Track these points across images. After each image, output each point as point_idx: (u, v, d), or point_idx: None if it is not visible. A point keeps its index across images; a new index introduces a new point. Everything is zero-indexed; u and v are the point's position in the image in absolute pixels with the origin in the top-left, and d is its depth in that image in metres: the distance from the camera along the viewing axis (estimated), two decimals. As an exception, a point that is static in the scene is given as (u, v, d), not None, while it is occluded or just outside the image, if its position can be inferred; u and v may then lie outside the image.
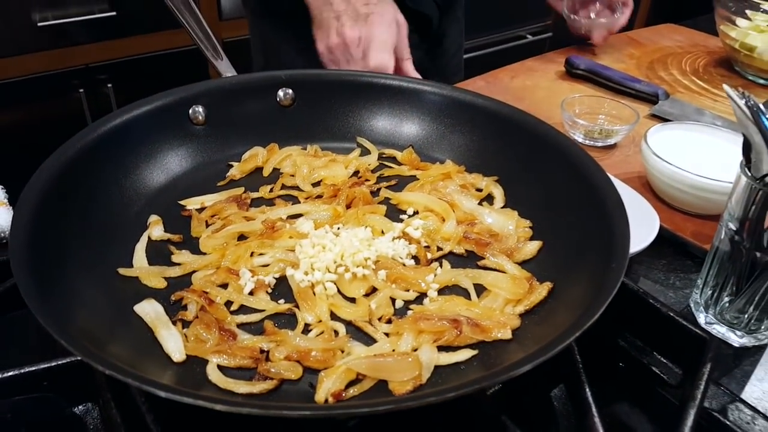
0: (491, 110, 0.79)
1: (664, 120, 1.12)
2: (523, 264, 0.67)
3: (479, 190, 0.77)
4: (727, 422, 0.54)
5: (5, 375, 0.52)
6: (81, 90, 1.92)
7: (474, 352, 0.55)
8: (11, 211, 0.75)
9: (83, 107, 1.94)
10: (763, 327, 0.67)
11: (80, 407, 0.57)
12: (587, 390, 0.51)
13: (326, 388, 0.50)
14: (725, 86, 0.60)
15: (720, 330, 0.68)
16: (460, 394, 0.42)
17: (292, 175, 0.79)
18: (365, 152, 0.84)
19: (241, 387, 0.51)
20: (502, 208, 0.75)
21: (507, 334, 0.56)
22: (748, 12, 1.26)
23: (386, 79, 0.84)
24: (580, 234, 0.64)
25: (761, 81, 1.30)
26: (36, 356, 0.55)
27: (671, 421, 0.55)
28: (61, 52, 1.86)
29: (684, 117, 1.12)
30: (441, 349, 0.56)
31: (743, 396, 0.61)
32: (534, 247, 0.68)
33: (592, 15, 1.36)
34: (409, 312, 0.60)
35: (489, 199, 0.77)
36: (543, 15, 3.01)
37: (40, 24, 1.76)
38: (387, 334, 0.58)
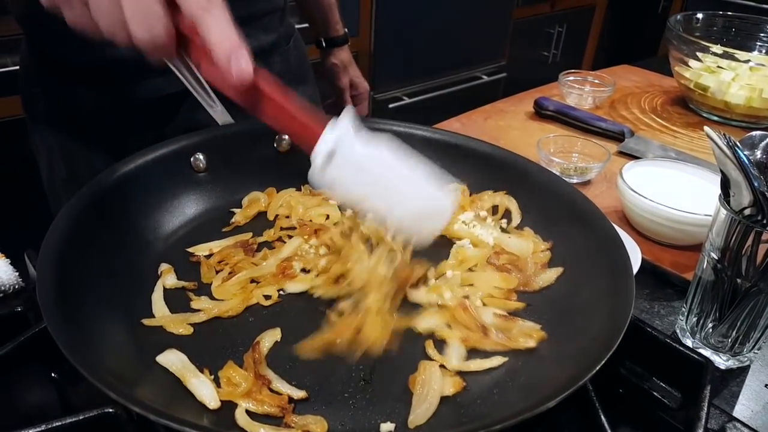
0: (484, 153, 0.84)
1: (631, 156, 1.19)
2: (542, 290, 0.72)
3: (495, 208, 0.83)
4: (728, 440, 0.58)
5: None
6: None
7: (505, 359, 0.61)
8: (7, 262, 0.75)
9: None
10: (745, 350, 0.72)
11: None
12: (602, 416, 0.54)
13: None
14: (706, 128, 0.65)
15: (706, 354, 0.72)
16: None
17: (288, 217, 0.81)
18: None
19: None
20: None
21: (531, 343, 0.63)
22: (699, 54, 1.35)
23: (378, 124, 0.88)
24: (585, 266, 0.68)
25: (714, 118, 1.38)
26: (50, 412, 0.55)
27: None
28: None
29: (649, 153, 1.19)
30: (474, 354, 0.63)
31: (734, 415, 0.65)
32: (553, 274, 0.72)
33: None
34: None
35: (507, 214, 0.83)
36: (497, 57, 3.12)
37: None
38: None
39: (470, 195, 0.85)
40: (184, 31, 0.55)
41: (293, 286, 0.70)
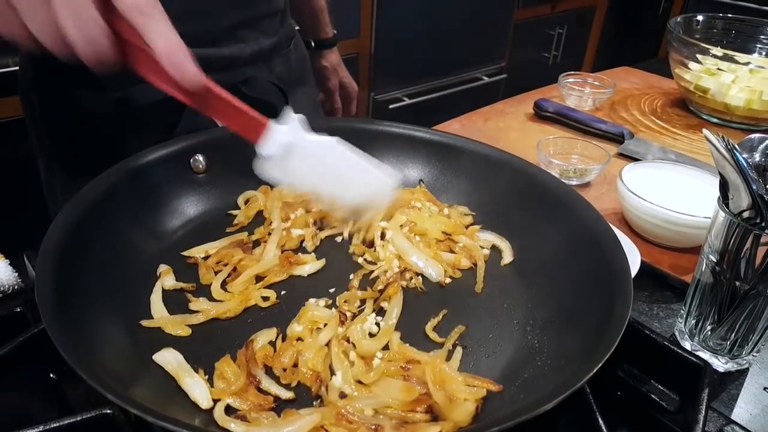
0: (483, 154, 0.84)
1: (631, 158, 1.19)
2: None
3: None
4: (726, 444, 0.58)
5: (31, 432, 0.51)
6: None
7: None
8: (6, 262, 0.75)
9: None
10: (744, 352, 0.72)
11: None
12: (599, 419, 0.54)
13: None
14: (705, 131, 0.65)
15: (704, 356, 0.72)
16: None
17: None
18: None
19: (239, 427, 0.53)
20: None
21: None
22: (698, 56, 1.35)
23: (378, 125, 0.88)
24: (583, 275, 0.67)
25: (714, 120, 1.38)
26: (48, 413, 0.55)
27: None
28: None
29: (649, 155, 1.19)
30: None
31: (733, 418, 0.65)
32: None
33: None
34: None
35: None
36: (498, 58, 3.12)
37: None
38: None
39: (467, 226, 0.83)
40: (125, 38, 0.55)
41: (304, 269, 0.73)
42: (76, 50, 0.52)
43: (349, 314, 0.66)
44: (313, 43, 1.37)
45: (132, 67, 0.58)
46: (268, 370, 0.60)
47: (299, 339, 0.63)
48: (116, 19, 0.54)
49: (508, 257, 0.78)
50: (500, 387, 0.59)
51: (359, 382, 0.59)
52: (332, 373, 0.60)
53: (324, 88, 1.42)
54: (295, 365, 0.60)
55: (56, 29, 0.51)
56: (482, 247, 0.79)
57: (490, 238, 0.81)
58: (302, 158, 0.68)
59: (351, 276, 0.73)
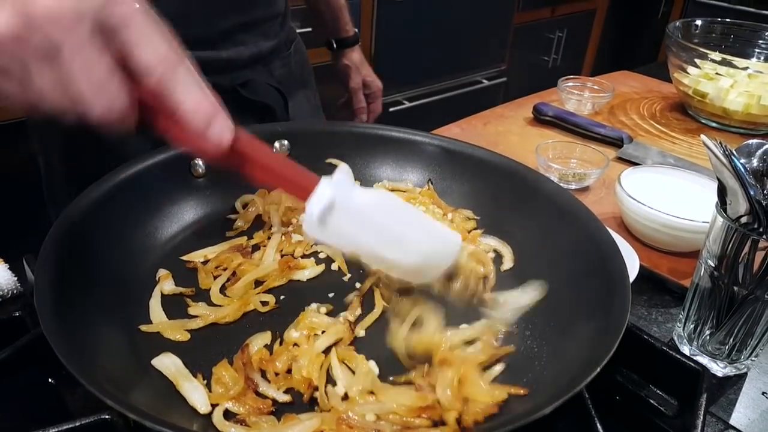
0: (481, 159, 0.85)
1: (630, 163, 1.19)
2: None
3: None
4: (724, 448, 0.58)
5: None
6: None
7: None
8: (6, 267, 0.75)
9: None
10: (742, 357, 0.72)
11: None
12: (598, 424, 0.54)
13: None
14: (703, 137, 0.65)
15: (703, 361, 0.72)
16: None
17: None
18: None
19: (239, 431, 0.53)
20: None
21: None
22: (697, 61, 1.35)
23: (380, 130, 0.89)
24: (581, 279, 0.68)
25: (713, 124, 1.39)
26: (46, 418, 0.55)
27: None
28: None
29: (648, 159, 1.19)
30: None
31: (731, 423, 0.66)
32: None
33: None
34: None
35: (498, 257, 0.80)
36: (497, 61, 3.12)
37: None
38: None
39: (470, 231, 0.82)
40: (146, 98, 0.50)
41: (303, 274, 0.73)
42: (87, 105, 0.47)
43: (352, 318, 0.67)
44: (334, 43, 1.37)
45: (150, 125, 0.53)
46: (265, 374, 0.60)
47: (295, 345, 0.63)
48: (132, 75, 0.49)
49: (508, 263, 0.78)
50: (526, 390, 0.58)
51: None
52: (333, 382, 0.60)
53: (347, 87, 1.41)
54: (289, 371, 0.60)
55: (66, 82, 0.46)
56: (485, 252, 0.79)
57: (491, 242, 0.81)
58: (352, 217, 0.59)
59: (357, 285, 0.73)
